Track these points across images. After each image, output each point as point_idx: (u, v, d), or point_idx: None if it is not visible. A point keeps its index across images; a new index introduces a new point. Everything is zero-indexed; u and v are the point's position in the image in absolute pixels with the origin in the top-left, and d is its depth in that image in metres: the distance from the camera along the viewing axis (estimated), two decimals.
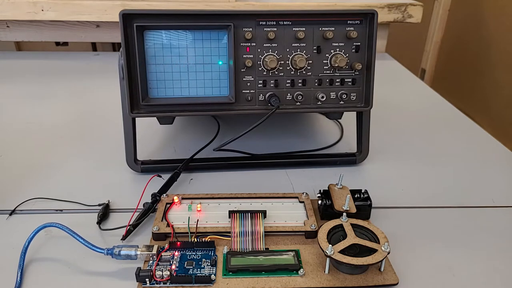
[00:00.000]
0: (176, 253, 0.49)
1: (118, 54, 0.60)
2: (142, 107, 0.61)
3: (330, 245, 0.46)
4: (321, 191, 0.57)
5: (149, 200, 0.58)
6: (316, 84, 0.63)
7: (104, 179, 0.66)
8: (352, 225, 0.50)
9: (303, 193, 0.59)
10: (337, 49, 0.62)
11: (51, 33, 1.32)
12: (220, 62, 0.60)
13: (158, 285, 0.45)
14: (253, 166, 0.70)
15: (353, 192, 0.57)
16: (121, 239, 0.52)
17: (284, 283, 0.45)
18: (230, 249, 0.50)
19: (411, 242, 0.53)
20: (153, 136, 0.80)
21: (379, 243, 0.47)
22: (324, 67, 0.63)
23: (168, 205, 0.57)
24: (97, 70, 1.23)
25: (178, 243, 0.50)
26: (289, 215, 0.55)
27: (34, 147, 0.76)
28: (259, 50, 0.61)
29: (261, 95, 0.63)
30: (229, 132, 0.82)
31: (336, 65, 0.61)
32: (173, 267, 0.47)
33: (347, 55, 0.62)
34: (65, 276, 0.47)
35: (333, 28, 0.61)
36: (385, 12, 1.29)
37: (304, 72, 0.63)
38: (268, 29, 0.60)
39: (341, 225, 0.50)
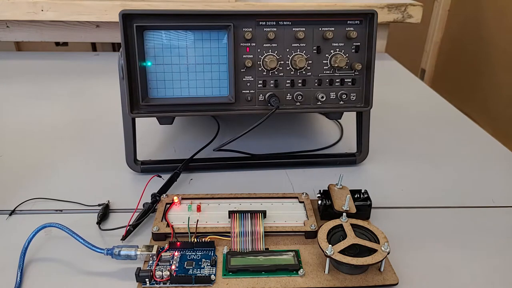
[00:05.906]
0: (176, 253, 0.49)
1: (118, 54, 0.60)
2: (142, 107, 0.61)
3: (330, 245, 0.46)
4: (321, 191, 0.57)
5: (149, 200, 0.58)
6: (316, 84, 0.63)
7: (104, 179, 0.66)
8: (352, 225, 0.50)
9: (303, 193, 0.59)
10: (337, 49, 0.62)
11: (51, 33, 1.33)
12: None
13: (158, 285, 0.45)
14: (253, 166, 0.70)
15: (353, 192, 0.57)
16: (121, 239, 0.52)
17: (284, 283, 0.45)
18: (230, 249, 0.50)
19: (411, 242, 0.53)
20: (153, 136, 0.80)
21: (379, 243, 0.47)
22: (324, 67, 0.63)
23: (168, 205, 0.57)
24: (97, 70, 1.23)
25: (178, 243, 0.50)
26: (289, 215, 0.55)
27: (34, 147, 0.76)
28: (259, 50, 0.61)
29: (261, 95, 0.63)
30: (229, 132, 0.82)
31: (336, 65, 0.61)
32: (173, 267, 0.47)
33: (347, 55, 0.62)
34: (65, 276, 0.47)
35: (333, 28, 0.61)
36: (385, 12, 1.29)
37: (304, 72, 0.63)
38: (268, 29, 0.60)
39: (341, 225, 0.50)
